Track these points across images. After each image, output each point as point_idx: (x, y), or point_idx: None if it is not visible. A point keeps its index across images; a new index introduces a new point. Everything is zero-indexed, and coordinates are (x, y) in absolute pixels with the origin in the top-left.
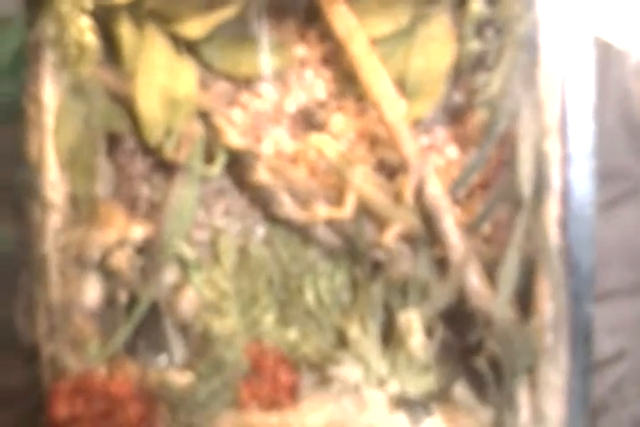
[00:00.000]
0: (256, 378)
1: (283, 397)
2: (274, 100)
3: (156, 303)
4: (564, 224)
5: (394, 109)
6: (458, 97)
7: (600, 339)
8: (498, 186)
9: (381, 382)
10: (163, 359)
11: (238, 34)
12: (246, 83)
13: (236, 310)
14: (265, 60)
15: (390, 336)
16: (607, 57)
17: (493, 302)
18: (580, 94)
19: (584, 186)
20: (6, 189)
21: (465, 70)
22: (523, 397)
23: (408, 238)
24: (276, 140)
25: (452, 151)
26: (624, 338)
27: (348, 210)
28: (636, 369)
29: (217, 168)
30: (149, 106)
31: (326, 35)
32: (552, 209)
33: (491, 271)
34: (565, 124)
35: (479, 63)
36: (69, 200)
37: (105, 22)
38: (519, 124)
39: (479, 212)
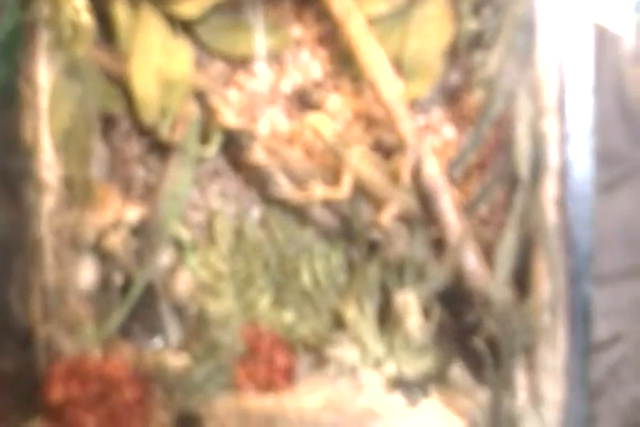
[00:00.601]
0: (252, 360)
1: (279, 379)
2: (270, 81)
3: (152, 285)
4: (563, 203)
5: (391, 89)
6: (454, 77)
7: (596, 322)
8: (495, 166)
9: (378, 364)
10: (158, 341)
11: (234, 14)
12: (242, 63)
13: (232, 291)
14: (260, 40)
15: (387, 317)
16: (602, 42)
17: (491, 282)
18: (578, 74)
19: (583, 165)
20: (1, 172)
21: (462, 50)
22: (520, 378)
23: (405, 219)
24: (272, 121)
25: (449, 131)
26: (620, 321)
27: (344, 190)
28: (632, 352)
29: (212, 149)
30: (145, 86)
31: (322, 15)
32: (550, 189)
33: (488, 252)
34: (563, 104)
35: (476, 43)
36: (64, 182)
37: (100, 2)
38: (516, 104)
39: (476, 192)
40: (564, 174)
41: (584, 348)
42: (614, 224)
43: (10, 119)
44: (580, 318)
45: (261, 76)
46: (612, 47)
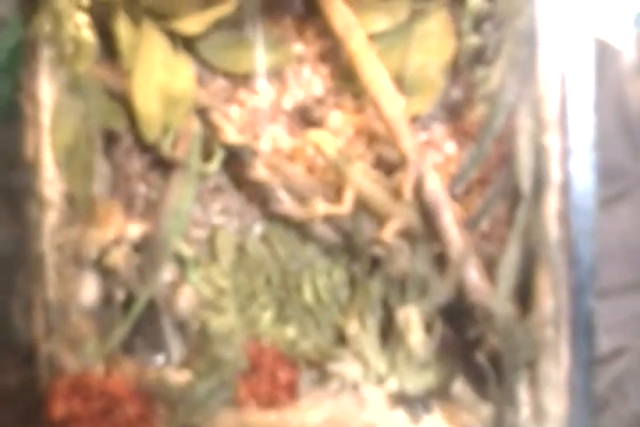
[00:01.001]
0: (254, 376)
1: (281, 394)
2: (271, 97)
3: (154, 301)
4: (566, 217)
5: (392, 106)
6: (455, 93)
7: (598, 337)
8: (497, 181)
9: (380, 380)
10: (160, 357)
11: (235, 31)
12: (244, 80)
13: (234, 307)
14: (260, 57)
15: (389, 333)
16: (603, 56)
17: (493, 297)
18: (579, 88)
19: (585, 179)
20: (3, 188)
21: (463, 66)
22: (523, 393)
23: (407, 234)
24: (274, 137)
25: (450, 147)
26: (622, 336)
27: (346, 206)
28: (635, 366)
29: (214, 165)
30: (147, 103)
31: (323, 31)
32: (552, 203)
33: (490, 266)
34: (565, 118)
35: (477, 58)
36: (66, 198)
37: (102, 19)
38: (518, 119)
39: (478, 207)
40: (566, 188)
41: (587, 362)
42: (614, 239)
43: (12, 135)
44: (584, 331)
45: (263, 93)
46: (613, 61)
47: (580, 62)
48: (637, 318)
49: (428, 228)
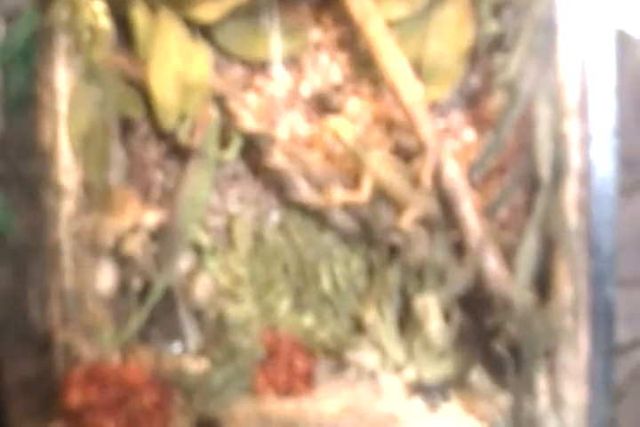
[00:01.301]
0: (271, 365)
1: (298, 383)
2: (289, 85)
3: (171, 290)
4: (585, 206)
5: (411, 93)
6: (474, 80)
7: (616, 327)
8: (515, 169)
9: (398, 368)
10: (177, 346)
11: (252, 18)
12: (261, 67)
13: (251, 296)
14: (276, 44)
15: (407, 322)
16: (621, 47)
17: (511, 285)
18: (599, 75)
19: (606, 166)
20: (19, 177)
21: (482, 53)
22: (542, 382)
23: (425, 222)
24: (292, 125)
25: (469, 135)
26: (639, 326)
27: (364, 194)
28: None
29: (232, 153)
30: (164, 91)
31: (341, 18)
32: (571, 191)
33: (508, 255)
34: (585, 105)
35: (496, 45)
36: (82, 186)
37: (118, 7)
38: (537, 107)
39: (496, 195)
40: (586, 176)
41: (607, 351)
42: (631, 228)
43: (28, 124)
44: (603, 320)
45: (280, 80)
46: (632, 52)
47: (600, 49)
48: None
49: (446, 216)
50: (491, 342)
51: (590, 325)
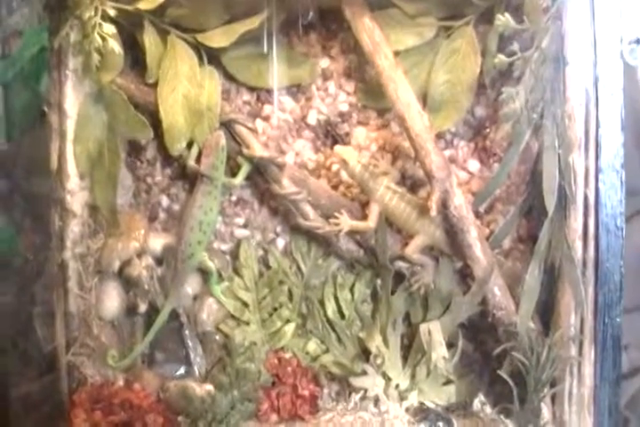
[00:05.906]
0: (276, 389)
1: (303, 408)
2: (296, 112)
3: (177, 313)
4: (595, 235)
5: (418, 123)
6: (479, 111)
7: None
8: (519, 200)
9: (402, 395)
10: (182, 370)
11: (260, 46)
12: (269, 94)
13: (257, 321)
14: (283, 72)
15: (411, 348)
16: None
17: (516, 314)
18: (607, 107)
19: (614, 197)
20: (27, 196)
21: (488, 84)
22: (546, 410)
23: (431, 251)
24: (299, 152)
25: (474, 165)
26: (639, 354)
27: (372, 222)
28: None
29: (240, 178)
30: (172, 115)
31: (349, 48)
32: (577, 222)
33: (512, 284)
34: (593, 137)
35: (503, 77)
36: (89, 209)
37: (128, 30)
38: (543, 138)
39: (500, 225)
40: (595, 206)
41: (614, 380)
42: (633, 257)
43: (33, 143)
44: (611, 349)
45: (286, 108)
46: (628, 78)
47: (608, 82)
48: None
49: (452, 244)
50: (495, 369)
51: (596, 354)
